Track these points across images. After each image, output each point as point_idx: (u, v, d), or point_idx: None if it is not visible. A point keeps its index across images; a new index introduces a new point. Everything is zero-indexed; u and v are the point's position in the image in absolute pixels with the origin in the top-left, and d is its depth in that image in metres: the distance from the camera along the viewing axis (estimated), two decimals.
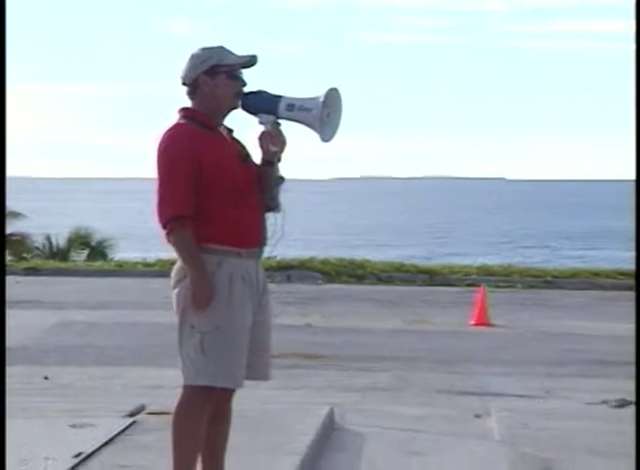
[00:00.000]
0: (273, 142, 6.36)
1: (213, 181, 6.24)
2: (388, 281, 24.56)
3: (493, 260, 30.47)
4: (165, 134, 6.30)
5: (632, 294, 22.40)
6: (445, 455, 8.90)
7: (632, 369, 13.33)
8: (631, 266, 29.96)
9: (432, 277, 24.94)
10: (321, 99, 6.30)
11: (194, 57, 6.36)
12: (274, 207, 6.46)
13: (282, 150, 6.40)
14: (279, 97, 6.38)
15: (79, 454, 7.66)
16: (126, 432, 8.72)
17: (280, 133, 6.38)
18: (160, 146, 6.28)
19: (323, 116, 6.32)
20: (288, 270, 24.40)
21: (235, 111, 6.45)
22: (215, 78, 6.33)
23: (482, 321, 17.83)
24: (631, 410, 10.82)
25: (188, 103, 6.42)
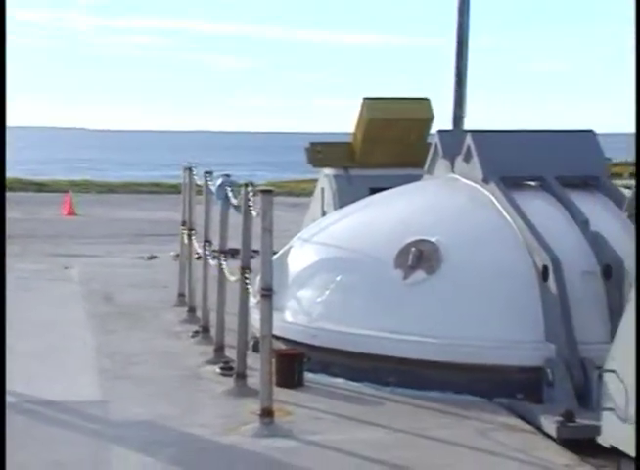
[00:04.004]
0: None
1: None
2: (14, 191, 23.06)
3: (77, 177, 29.35)
4: None
5: (164, 196, 22.16)
6: (43, 290, 8.64)
7: (159, 239, 13.30)
8: (166, 179, 29.54)
9: (41, 187, 23.76)
10: None
11: None
12: None
13: None
14: None
15: None
16: None
17: None
18: None
19: None
20: None
21: None
22: None
23: (71, 212, 17.27)
24: (157, 260, 10.75)
25: None
